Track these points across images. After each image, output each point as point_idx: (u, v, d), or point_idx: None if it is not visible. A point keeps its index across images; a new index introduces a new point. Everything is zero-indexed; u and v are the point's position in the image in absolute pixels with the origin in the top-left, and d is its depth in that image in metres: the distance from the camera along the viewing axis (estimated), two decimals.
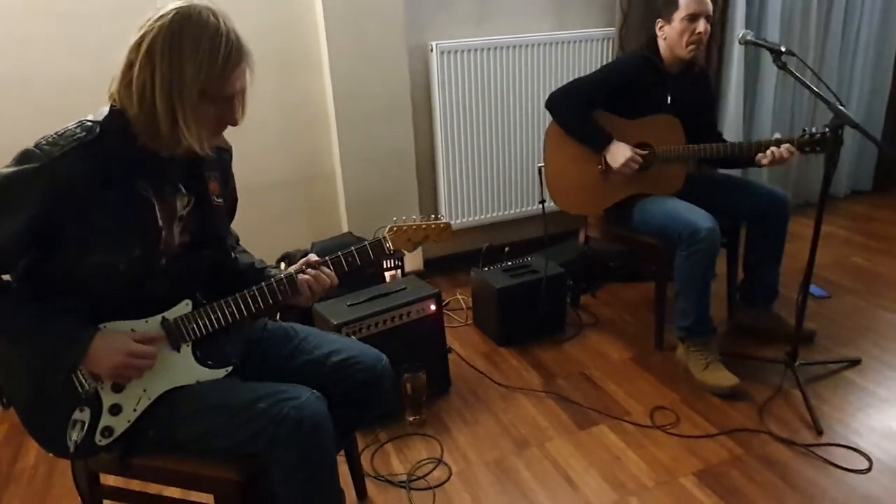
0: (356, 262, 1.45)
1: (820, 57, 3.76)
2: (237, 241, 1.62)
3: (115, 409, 1.28)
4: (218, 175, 1.40)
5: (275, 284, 1.38)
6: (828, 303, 2.86)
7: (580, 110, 2.41)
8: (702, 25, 2.28)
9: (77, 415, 1.26)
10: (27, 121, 2.39)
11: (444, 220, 1.52)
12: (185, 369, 1.34)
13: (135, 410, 1.29)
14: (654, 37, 2.42)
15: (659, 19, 2.38)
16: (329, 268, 1.42)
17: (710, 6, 2.32)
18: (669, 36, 2.34)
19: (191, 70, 1.15)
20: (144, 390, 1.30)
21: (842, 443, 1.99)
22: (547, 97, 2.47)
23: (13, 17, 2.32)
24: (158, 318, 1.32)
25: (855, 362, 2.39)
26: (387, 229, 1.50)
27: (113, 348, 1.23)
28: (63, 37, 2.40)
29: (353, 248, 1.45)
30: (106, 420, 1.27)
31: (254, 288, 1.38)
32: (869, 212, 3.94)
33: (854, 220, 3.79)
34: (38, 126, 2.39)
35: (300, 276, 1.39)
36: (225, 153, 1.46)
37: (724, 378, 2.23)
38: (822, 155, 2.17)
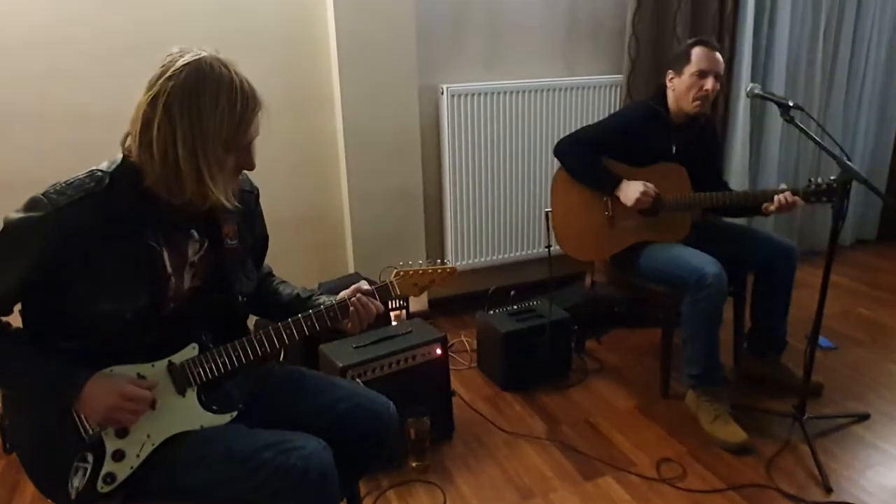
0: None
1: (825, 108, 3.80)
2: (270, 273, 1.63)
3: (118, 455, 1.26)
4: (236, 217, 1.40)
5: (282, 329, 1.38)
6: (835, 354, 2.84)
7: (588, 156, 2.43)
8: (710, 83, 2.32)
9: (79, 461, 1.24)
10: (45, 154, 2.42)
11: (449, 265, 1.54)
12: (189, 414, 1.33)
13: (138, 456, 1.27)
14: (663, 86, 2.45)
15: (670, 70, 2.42)
16: (394, 292, 1.46)
17: (722, 66, 2.36)
18: (678, 88, 2.38)
19: (212, 126, 1.17)
20: (148, 436, 1.28)
21: (851, 501, 1.95)
22: (555, 144, 2.50)
23: (34, 52, 2.36)
24: (165, 361, 1.31)
25: (864, 417, 2.36)
26: (393, 274, 1.51)
27: (107, 390, 1.22)
28: (82, 73, 2.44)
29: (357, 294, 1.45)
30: (108, 466, 1.25)
31: (260, 331, 1.37)
32: (874, 261, 3.94)
33: (859, 270, 3.78)
34: (56, 159, 2.44)
35: (350, 302, 1.42)
36: (248, 194, 1.47)
37: (733, 433, 2.20)
38: (827, 204, 2.18)
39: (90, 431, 1.24)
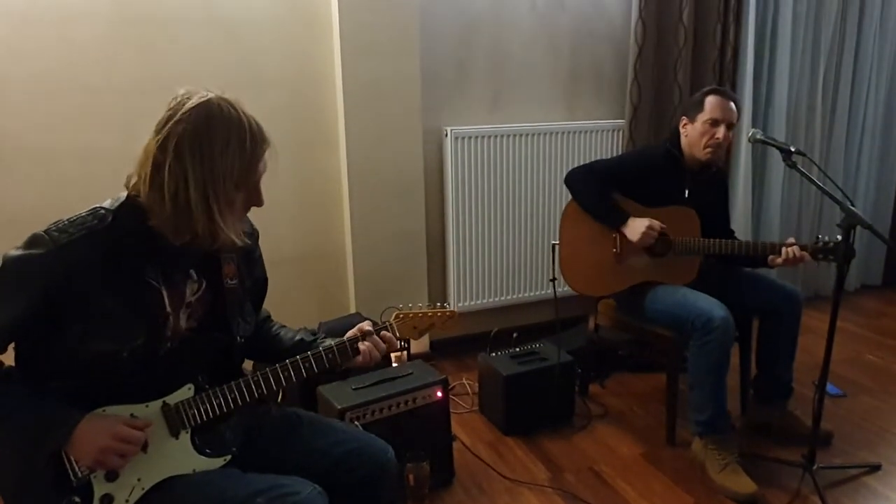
0: None
1: (826, 153, 3.82)
2: (269, 317, 1.62)
3: (107, 500, 1.22)
4: (236, 258, 1.39)
5: (279, 370, 1.36)
6: (844, 402, 2.78)
7: (599, 188, 2.44)
8: (721, 132, 2.34)
9: None
10: (51, 189, 2.43)
11: (449, 309, 1.54)
12: (182, 457, 1.29)
13: (127, 501, 1.23)
14: (678, 131, 2.47)
15: (684, 116, 2.43)
16: (392, 332, 1.47)
17: (735, 116, 2.38)
18: (691, 135, 2.39)
19: (224, 167, 1.18)
20: (139, 479, 1.25)
21: None
22: (567, 173, 2.50)
23: (42, 90, 2.39)
24: (159, 402, 1.28)
25: (875, 468, 2.30)
26: (393, 316, 1.51)
27: (98, 431, 1.19)
28: (89, 111, 2.46)
29: (358, 335, 1.44)
30: None
31: (258, 373, 1.35)
32: (880, 307, 3.90)
33: (865, 316, 3.74)
34: (62, 195, 2.45)
35: (361, 344, 1.42)
36: (249, 235, 1.46)
37: (743, 484, 2.14)
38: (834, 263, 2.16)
39: (79, 474, 1.21)
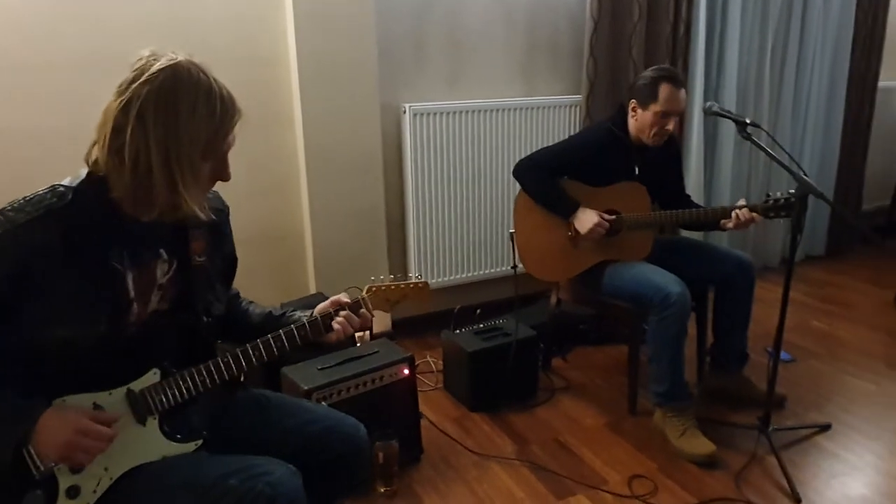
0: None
1: (773, 126, 3.93)
2: (238, 294, 1.57)
3: (73, 492, 1.17)
4: (205, 234, 1.34)
5: (250, 350, 1.33)
6: (794, 367, 2.90)
7: (546, 178, 2.44)
8: (672, 123, 2.36)
9: (29, 498, 1.14)
10: (3, 171, 2.29)
11: (421, 280, 1.52)
12: (150, 445, 1.25)
13: (94, 492, 1.19)
14: (623, 108, 2.47)
15: (634, 100, 2.40)
16: (367, 308, 1.43)
17: (684, 105, 2.39)
18: (640, 121, 2.39)
19: (189, 133, 1.12)
20: (106, 469, 1.20)
21: None
22: (514, 165, 2.50)
23: None
24: (123, 389, 1.23)
25: (825, 428, 2.40)
26: (365, 289, 1.48)
27: (61, 425, 1.13)
28: (40, 88, 2.32)
29: (331, 310, 1.42)
30: None
31: (228, 354, 1.32)
32: (824, 277, 4.05)
33: (810, 285, 3.89)
34: (14, 176, 2.30)
35: (334, 322, 1.38)
36: (219, 212, 1.41)
37: (701, 445, 2.21)
38: (784, 219, 2.24)
39: (41, 467, 1.15)
